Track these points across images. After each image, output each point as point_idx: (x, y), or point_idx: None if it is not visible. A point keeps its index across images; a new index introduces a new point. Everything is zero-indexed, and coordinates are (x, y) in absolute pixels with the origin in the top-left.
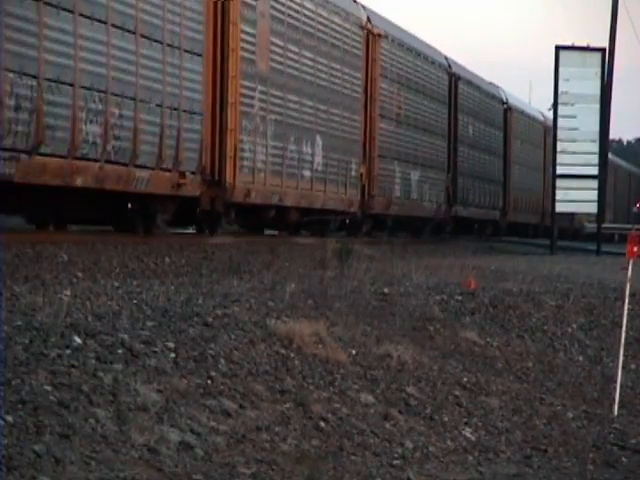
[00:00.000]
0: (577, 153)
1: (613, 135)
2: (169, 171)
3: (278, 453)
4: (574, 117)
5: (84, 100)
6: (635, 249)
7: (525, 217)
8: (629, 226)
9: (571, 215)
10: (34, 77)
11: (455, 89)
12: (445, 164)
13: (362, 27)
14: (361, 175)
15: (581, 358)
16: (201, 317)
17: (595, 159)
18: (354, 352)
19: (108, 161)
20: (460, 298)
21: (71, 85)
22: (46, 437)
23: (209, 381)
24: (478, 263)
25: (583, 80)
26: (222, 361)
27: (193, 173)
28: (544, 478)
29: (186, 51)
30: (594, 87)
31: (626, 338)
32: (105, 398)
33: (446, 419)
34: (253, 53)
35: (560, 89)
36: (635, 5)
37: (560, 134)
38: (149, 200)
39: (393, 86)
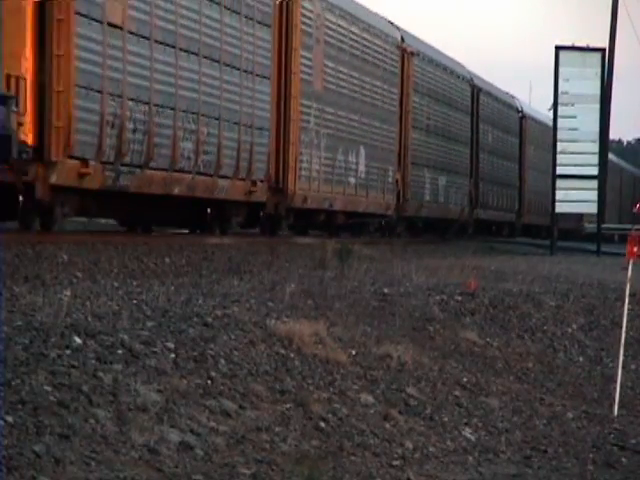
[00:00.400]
0: (577, 153)
1: (613, 135)
2: (243, 180)
3: (278, 453)
4: (574, 117)
5: (182, 121)
6: (635, 249)
7: (538, 219)
8: (629, 226)
9: (579, 216)
10: (147, 104)
11: (477, 100)
12: (468, 170)
13: (398, 47)
14: (397, 181)
15: (581, 358)
16: (201, 317)
17: (595, 159)
18: (354, 352)
19: (198, 173)
20: (460, 298)
21: (172, 109)
22: (46, 437)
23: (209, 381)
24: (478, 263)
25: (583, 80)
26: (222, 361)
27: (261, 181)
28: (544, 478)
29: (257, 75)
30: (594, 87)
31: (626, 338)
32: (105, 398)
33: (446, 419)
34: (310, 75)
35: (560, 89)
36: (635, 5)
37: (560, 134)
38: (226, 205)
39: (424, 99)
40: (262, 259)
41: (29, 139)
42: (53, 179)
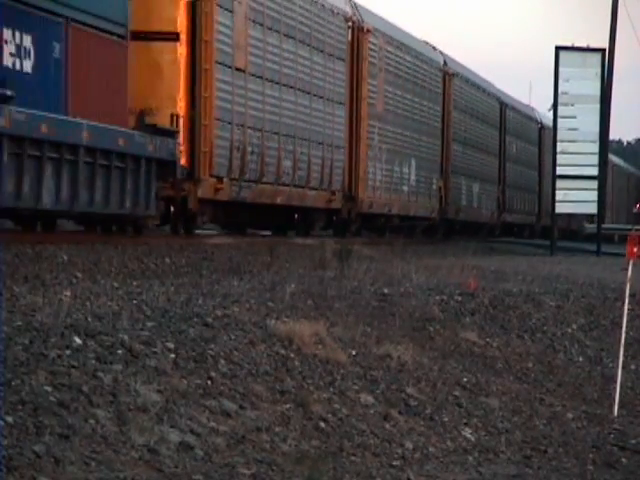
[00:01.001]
0: (577, 154)
1: (613, 135)
2: (325, 190)
3: (278, 453)
4: (574, 117)
5: (284, 144)
6: (635, 250)
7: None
8: (629, 226)
9: (590, 216)
10: (260, 130)
11: (504, 115)
12: (496, 178)
13: (441, 70)
14: (439, 188)
15: (581, 358)
16: (201, 317)
17: (595, 159)
18: (354, 352)
19: (294, 185)
20: (460, 298)
21: (277, 134)
22: (46, 437)
23: (209, 381)
24: (478, 263)
25: (583, 80)
26: (222, 361)
27: (338, 191)
28: (544, 478)
29: (335, 102)
30: (594, 87)
31: (626, 338)
32: (105, 399)
33: (446, 419)
34: (374, 99)
35: (560, 89)
36: (635, 5)
37: (560, 134)
38: (310, 212)
39: (461, 115)
40: (262, 259)
41: (184, 162)
42: (200, 193)
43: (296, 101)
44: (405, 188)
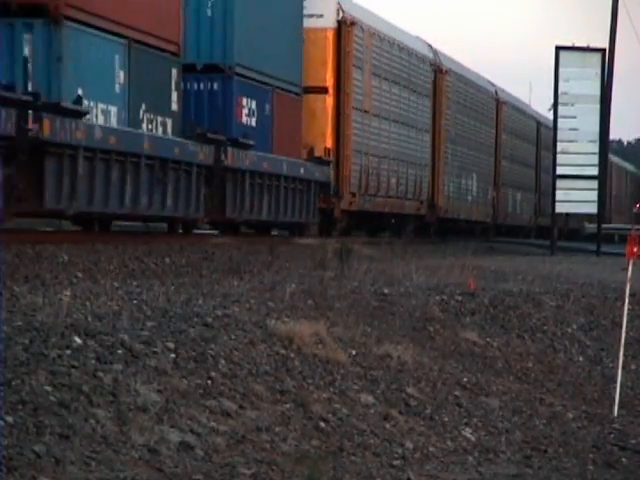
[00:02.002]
0: (577, 153)
1: (613, 135)
2: (415, 200)
3: (278, 453)
4: (574, 117)
5: (391, 165)
6: (635, 249)
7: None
8: (629, 226)
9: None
10: (376, 156)
11: (539, 133)
12: (534, 187)
13: (494, 99)
14: (493, 197)
15: (581, 358)
16: (201, 317)
17: (595, 159)
18: (354, 352)
19: (397, 197)
20: (460, 298)
21: (386, 158)
22: (46, 437)
23: (209, 381)
24: (478, 263)
25: (583, 80)
26: (222, 361)
27: (424, 201)
28: (544, 478)
29: (423, 130)
30: (594, 87)
31: (626, 338)
32: (105, 398)
33: (446, 419)
34: (449, 126)
35: (560, 89)
36: (635, 5)
37: (560, 134)
38: (405, 217)
39: (509, 135)
40: (262, 259)
41: (333, 183)
42: (342, 205)
43: (399, 131)
44: (469, 197)
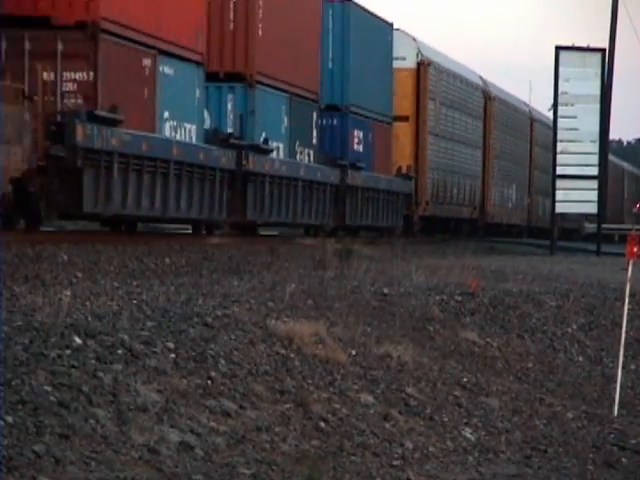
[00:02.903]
0: (577, 153)
1: (613, 135)
2: (469, 207)
3: (278, 453)
4: (574, 117)
5: (453, 177)
6: (635, 249)
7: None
8: (629, 226)
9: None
10: (444, 170)
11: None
12: None
13: (529, 118)
14: (528, 204)
15: (581, 358)
16: (201, 317)
17: (595, 159)
18: (354, 352)
19: (456, 204)
20: (460, 298)
21: (450, 171)
22: (46, 437)
23: (209, 381)
24: (478, 263)
25: (583, 80)
26: (222, 361)
27: (476, 207)
28: (544, 478)
29: (476, 147)
30: (594, 87)
31: (626, 338)
32: (105, 398)
33: (446, 419)
34: (496, 143)
35: (560, 89)
36: (635, 5)
37: (560, 134)
38: (462, 221)
39: (541, 149)
40: (262, 259)
41: (414, 194)
42: (419, 212)
43: (458, 149)
44: (509, 204)
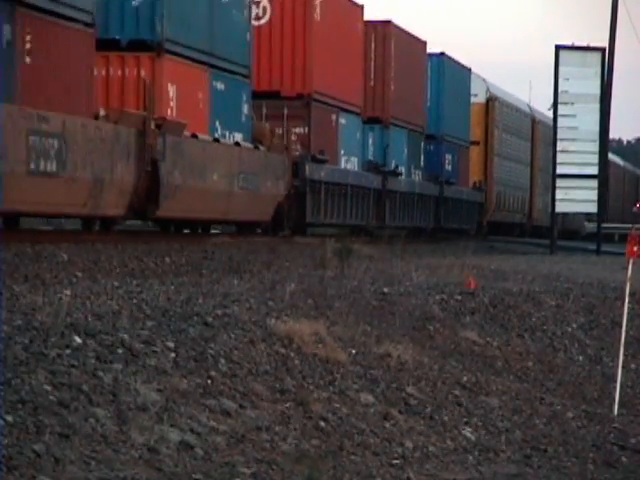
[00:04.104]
0: (577, 152)
1: (613, 135)
2: (520, 213)
3: (278, 453)
4: (574, 116)
5: (510, 190)
6: (635, 249)
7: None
8: (629, 226)
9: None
10: (503, 184)
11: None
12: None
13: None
14: None
15: (581, 358)
16: (201, 317)
17: (595, 159)
18: (354, 352)
19: (512, 211)
20: (460, 298)
21: (508, 185)
22: (46, 437)
23: (209, 381)
24: (478, 263)
25: (583, 79)
26: (222, 361)
27: (525, 213)
28: (544, 478)
29: (525, 164)
30: (594, 87)
31: (626, 338)
32: (105, 398)
33: (446, 419)
34: (540, 160)
35: (560, 88)
36: (635, 5)
37: (560, 133)
38: (513, 225)
39: None
40: (262, 259)
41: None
42: (487, 217)
43: (513, 166)
44: (549, 210)
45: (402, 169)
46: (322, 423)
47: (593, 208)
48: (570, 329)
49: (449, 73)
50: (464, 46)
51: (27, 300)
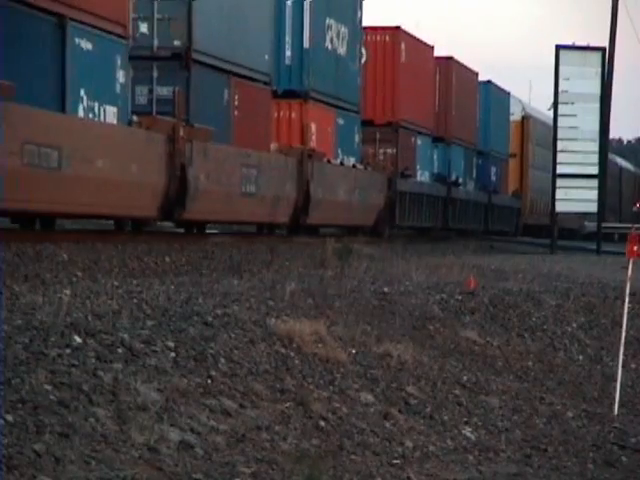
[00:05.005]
0: (577, 152)
1: (613, 134)
2: (546, 216)
3: (278, 452)
4: (574, 116)
5: (539, 195)
6: (635, 248)
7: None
8: (629, 225)
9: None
10: (535, 191)
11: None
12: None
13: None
14: None
15: (581, 357)
16: (201, 316)
17: (595, 158)
18: (354, 351)
19: (541, 215)
20: (460, 297)
21: (539, 191)
22: (46, 436)
23: (209, 380)
24: (478, 262)
25: (583, 79)
26: (222, 360)
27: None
28: (544, 477)
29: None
30: (594, 86)
31: (626, 337)
32: (105, 397)
33: (446, 418)
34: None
35: (560, 88)
36: (635, 5)
37: (560, 133)
38: (541, 227)
39: None
40: (262, 258)
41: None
42: (523, 220)
43: (542, 175)
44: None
45: (461, 180)
46: (322, 423)
47: (593, 208)
48: (570, 329)
49: (494, 97)
50: (464, 46)
51: (27, 299)
